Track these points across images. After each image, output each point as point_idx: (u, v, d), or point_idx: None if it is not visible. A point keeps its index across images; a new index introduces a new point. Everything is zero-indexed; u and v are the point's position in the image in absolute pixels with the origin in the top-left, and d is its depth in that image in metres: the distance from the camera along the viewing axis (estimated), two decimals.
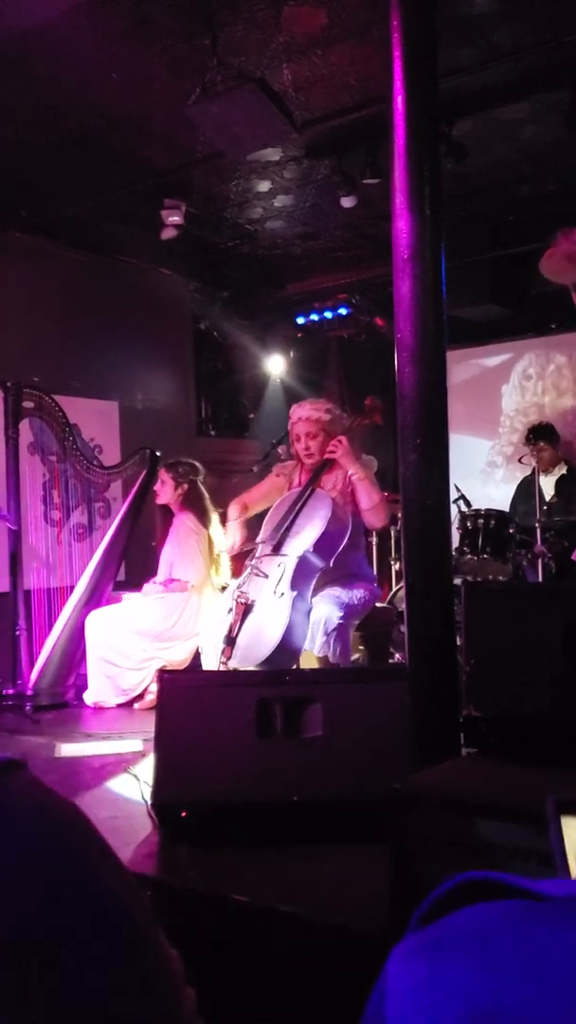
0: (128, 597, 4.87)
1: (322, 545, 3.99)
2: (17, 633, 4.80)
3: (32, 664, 4.76)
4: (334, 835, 2.35)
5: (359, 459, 4.20)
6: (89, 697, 4.55)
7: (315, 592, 4.08)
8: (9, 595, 4.90)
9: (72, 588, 5.02)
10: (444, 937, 0.41)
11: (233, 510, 4.41)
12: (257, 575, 4.02)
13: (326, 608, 3.91)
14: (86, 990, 0.54)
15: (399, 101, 2.61)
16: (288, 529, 4.05)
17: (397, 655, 4.96)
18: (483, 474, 7.05)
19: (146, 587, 4.81)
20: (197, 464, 4.90)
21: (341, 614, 3.89)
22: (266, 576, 3.99)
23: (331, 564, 4.05)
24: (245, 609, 3.92)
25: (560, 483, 5.96)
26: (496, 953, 0.38)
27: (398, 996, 0.40)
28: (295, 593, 3.89)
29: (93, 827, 0.65)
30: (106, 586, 4.99)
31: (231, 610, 3.97)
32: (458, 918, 0.42)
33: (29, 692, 4.62)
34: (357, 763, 2.45)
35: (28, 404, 5.02)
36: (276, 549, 4.04)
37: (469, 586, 2.81)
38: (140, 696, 4.54)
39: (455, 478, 5.48)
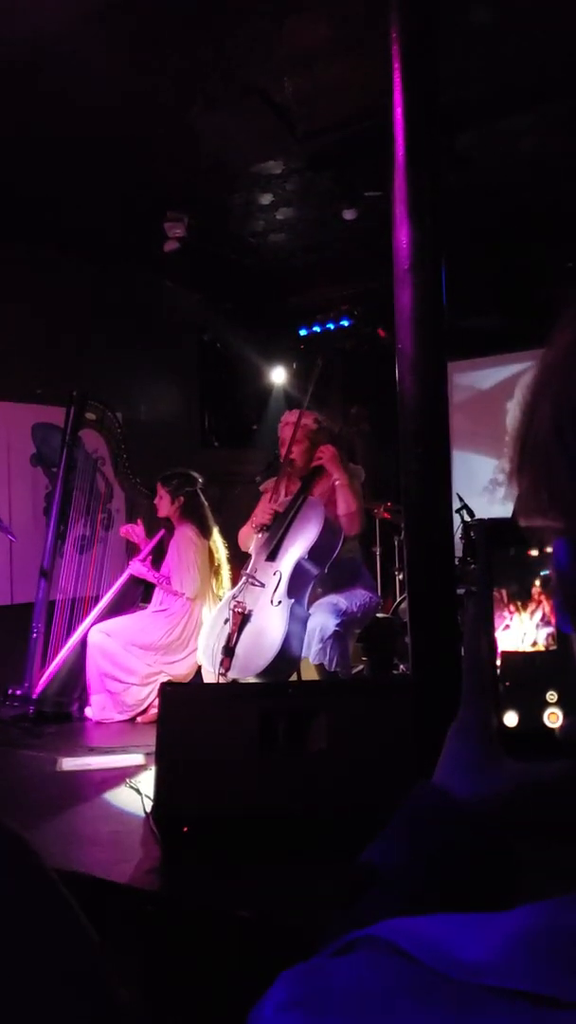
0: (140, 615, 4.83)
1: (317, 551, 3.97)
2: (34, 636, 4.78)
3: (43, 670, 4.74)
4: (338, 849, 2.33)
5: (346, 467, 4.20)
6: (93, 714, 4.51)
7: (313, 600, 4.05)
8: (33, 603, 4.88)
9: (70, 601, 4.98)
10: (326, 995, 0.40)
11: (246, 541, 4.33)
12: (253, 584, 4.00)
13: (322, 616, 3.89)
14: None
15: (399, 112, 2.60)
16: (282, 537, 4.03)
17: (401, 666, 4.94)
18: (486, 492, 7.03)
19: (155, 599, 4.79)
20: (192, 474, 4.86)
21: (337, 622, 3.87)
22: (262, 585, 3.96)
23: (326, 571, 4.03)
24: (242, 619, 3.89)
25: None
26: None
27: None
28: (292, 601, 3.87)
29: (27, 862, 0.63)
30: (129, 608, 4.93)
31: (228, 620, 3.94)
32: (345, 972, 0.41)
33: (35, 696, 4.60)
34: (361, 776, 2.43)
35: (90, 416, 5.08)
36: (271, 557, 4.02)
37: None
38: (144, 710, 4.50)
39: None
